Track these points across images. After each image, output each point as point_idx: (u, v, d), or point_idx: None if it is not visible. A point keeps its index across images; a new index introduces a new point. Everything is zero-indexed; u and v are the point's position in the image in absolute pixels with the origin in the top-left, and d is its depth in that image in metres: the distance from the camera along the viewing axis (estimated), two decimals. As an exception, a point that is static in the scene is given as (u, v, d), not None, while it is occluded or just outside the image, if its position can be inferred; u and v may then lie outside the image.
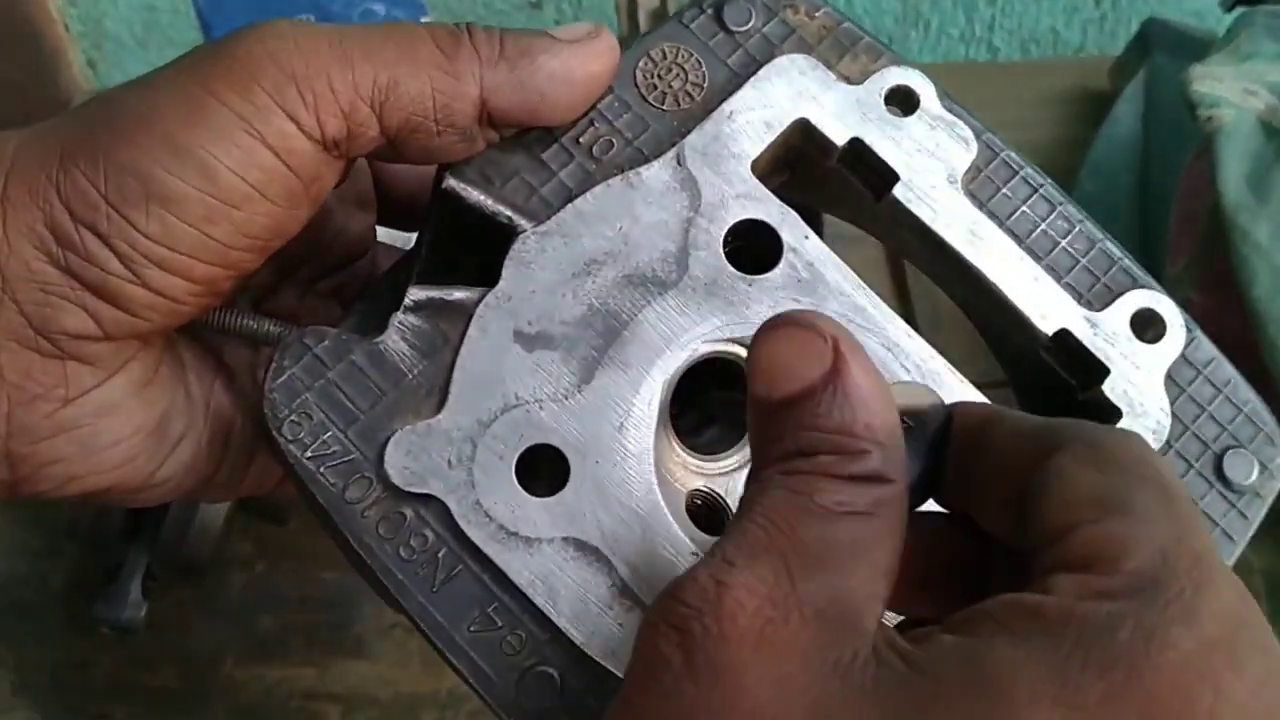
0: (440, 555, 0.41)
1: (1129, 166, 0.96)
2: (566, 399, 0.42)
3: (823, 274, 0.44)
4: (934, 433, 0.37)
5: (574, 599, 0.40)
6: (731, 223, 0.44)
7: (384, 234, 0.54)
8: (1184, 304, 0.83)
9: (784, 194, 0.46)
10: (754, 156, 0.45)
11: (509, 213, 0.44)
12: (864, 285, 0.45)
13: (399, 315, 0.43)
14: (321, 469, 0.41)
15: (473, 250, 0.45)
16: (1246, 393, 0.47)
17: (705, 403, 0.47)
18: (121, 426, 0.43)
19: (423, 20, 0.85)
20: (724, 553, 0.32)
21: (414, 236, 0.47)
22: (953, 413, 0.37)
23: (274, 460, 0.43)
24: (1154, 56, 1.00)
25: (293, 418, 0.42)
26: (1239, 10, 0.90)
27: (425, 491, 0.41)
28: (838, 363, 0.34)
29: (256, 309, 0.50)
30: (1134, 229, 0.94)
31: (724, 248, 0.44)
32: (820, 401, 0.34)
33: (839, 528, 0.32)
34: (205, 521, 0.77)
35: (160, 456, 0.45)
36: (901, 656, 0.31)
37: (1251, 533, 0.47)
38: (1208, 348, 0.47)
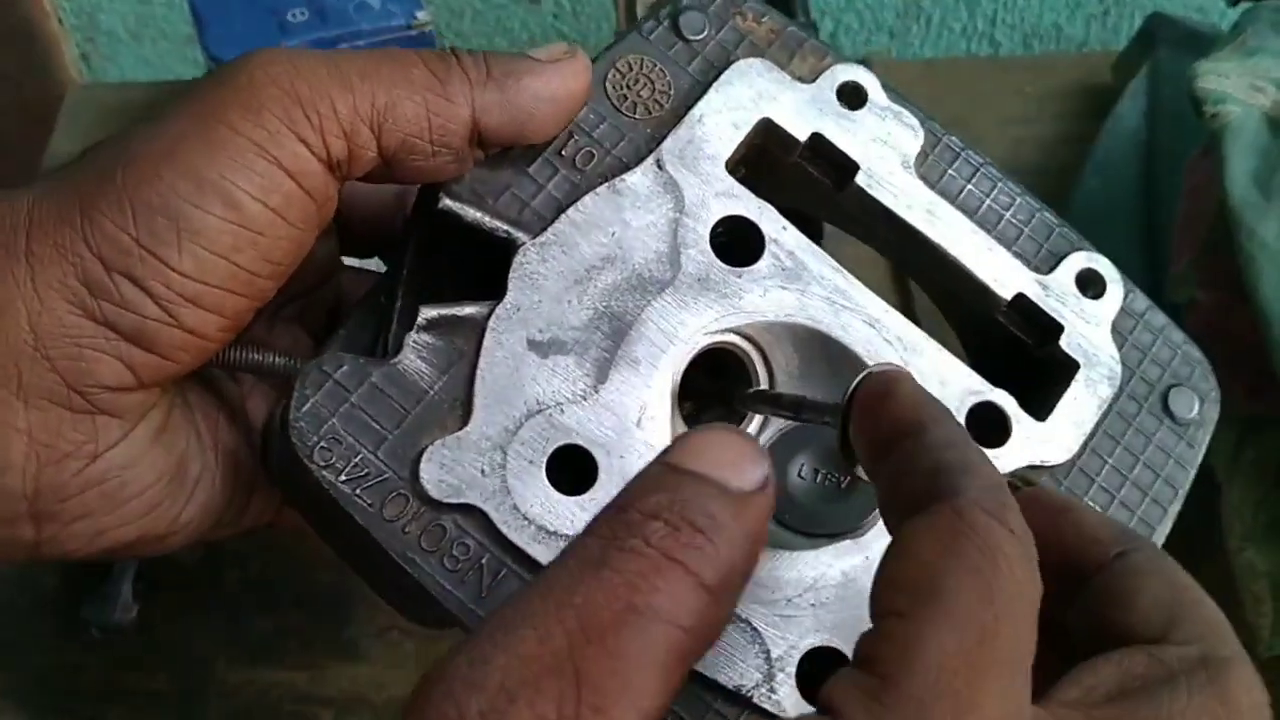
0: (484, 561, 0.42)
1: (1133, 163, 0.95)
2: (585, 399, 0.44)
3: (804, 261, 0.47)
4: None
5: None
6: (714, 220, 0.47)
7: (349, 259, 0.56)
8: (1189, 303, 0.83)
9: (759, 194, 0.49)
10: (726, 156, 0.48)
11: (506, 228, 0.46)
12: (842, 269, 0.48)
13: (412, 335, 0.44)
14: (357, 491, 0.42)
15: (459, 267, 0.47)
16: (1177, 334, 0.52)
17: (696, 391, 0.49)
18: (145, 475, 0.44)
19: (418, 15, 0.84)
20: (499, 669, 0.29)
21: (373, 261, 0.51)
22: (1034, 495, 0.39)
23: (277, 490, 0.44)
24: (1158, 52, 0.98)
25: (322, 444, 0.42)
26: (1244, 5, 0.89)
27: (463, 501, 0.42)
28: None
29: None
30: (1139, 226, 0.93)
31: (711, 244, 0.47)
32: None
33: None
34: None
35: (182, 500, 0.46)
36: None
37: (1200, 459, 0.52)
38: (1142, 299, 0.52)
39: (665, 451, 0.34)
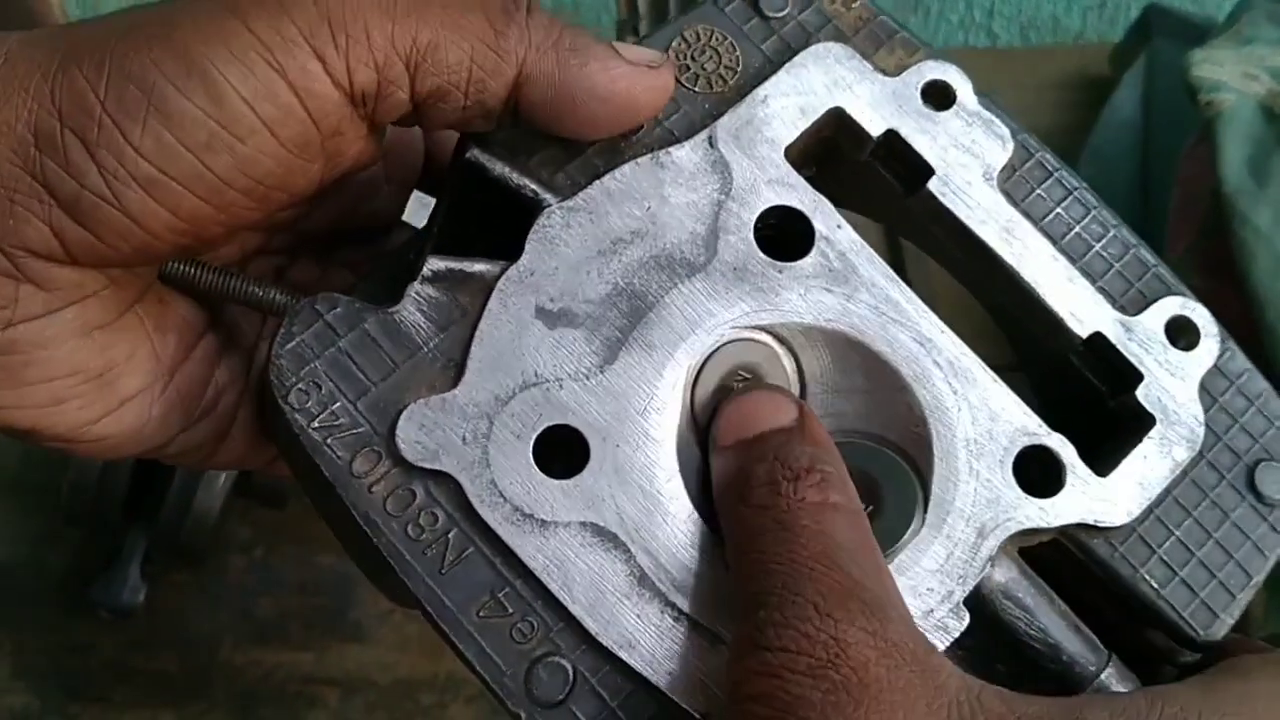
0: (450, 535, 0.39)
1: (1129, 153, 0.96)
2: (588, 379, 0.41)
3: (855, 265, 0.43)
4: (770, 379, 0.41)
5: (589, 587, 0.39)
6: (763, 208, 0.43)
7: (415, 202, 0.52)
8: (1184, 289, 0.84)
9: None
10: (788, 142, 0.44)
11: (534, 187, 0.43)
12: (897, 279, 0.44)
13: (415, 286, 0.41)
14: (329, 440, 0.40)
15: (488, 228, 0.43)
16: (1278, 404, 0.46)
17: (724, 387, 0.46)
18: (58, 365, 0.40)
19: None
20: (811, 602, 0.35)
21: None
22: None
23: (269, 433, 0.41)
24: (1154, 42, 0.99)
25: (300, 386, 0.40)
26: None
27: (437, 468, 0.39)
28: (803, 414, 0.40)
29: (276, 277, 0.48)
30: (1135, 215, 0.94)
31: (754, 233, 0.43)
32: (790, 439, 0.39)
33: (867, 559, 0.37)
34: (203, 506, 0.77)
35: (97, 411, 0.42)
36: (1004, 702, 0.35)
37: None
38: (1241, 360, 0.46)
39: (719, 437, 0.40)
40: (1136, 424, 0.44)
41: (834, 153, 0.46)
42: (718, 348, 0.43)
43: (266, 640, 0.82)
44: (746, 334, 0.43)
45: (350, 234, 0.49)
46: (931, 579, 0.41)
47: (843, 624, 0.35)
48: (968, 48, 1.28)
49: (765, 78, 0.45)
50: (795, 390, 0.45)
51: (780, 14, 0.46)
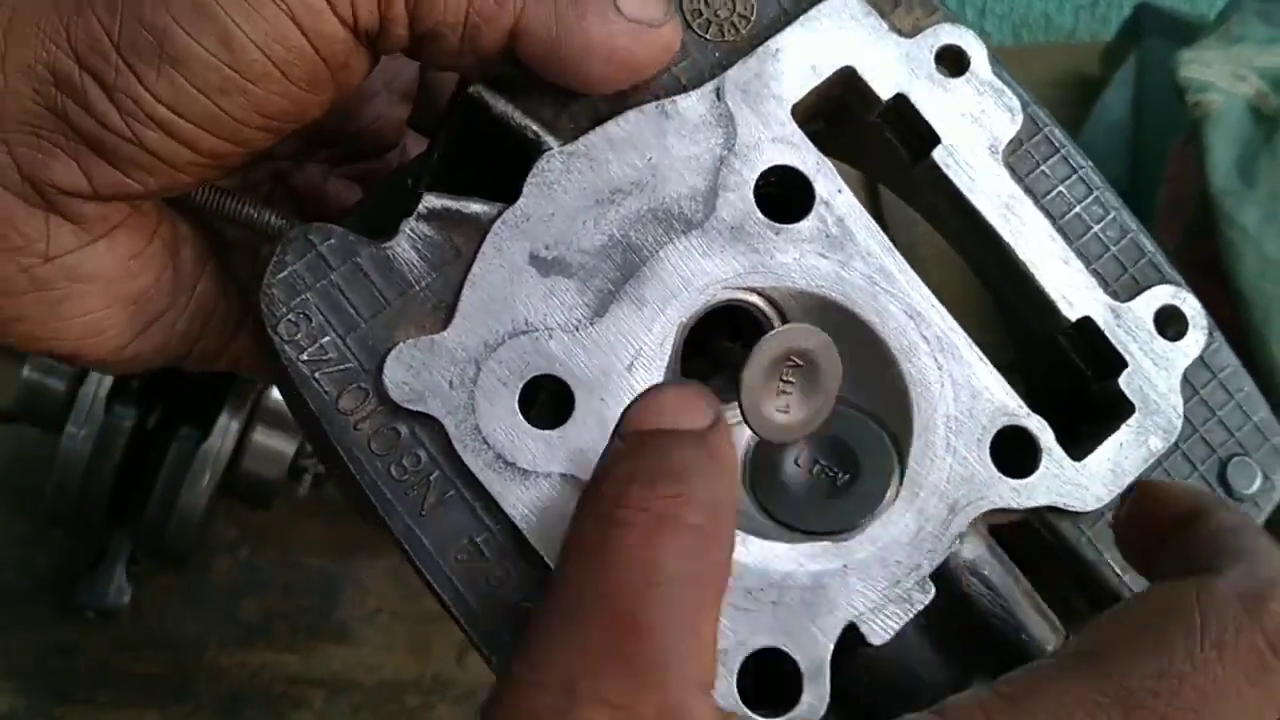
0: (432, 478, 0.40)
1: (1119, 152, 0.96)
2: (578, 330, 0.41)
3: (852, 231, 0.43)
4: (824, 368, 0.39)
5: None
6: (765, 167, 0.43)
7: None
8: (1171, 289, 0.83)
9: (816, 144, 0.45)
10: (796, 100, 0.43)
11: (535, 127, 0.42)
12: (893, 248, 0.43)
13: (410, 222, 0.41)
14: (316, 374, 0.40)
15: (486, 163, 0.43)
16: (1259, 404, 0.46)
17: (714, 350, 0.46)
18: (96, 298, 0.42)
19: None
20: (562, 659, 0.32)
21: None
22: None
23: (264, 355, 0.41)
24: (1145, 41, 0.99)
25: (290, 317, 0.40)
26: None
27: (423, 410, 0.40)
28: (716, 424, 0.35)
29: (279, 182, 0.48)
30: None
31: (755, 191, 0.43)
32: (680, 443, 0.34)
33: (688, 599, 0.32)
34: (187, 506, 0.77)
35: (132, 333, 0.43)
36: None
37: None
38: (1227, 353, 0.46)
39: (618, 423, 0.35)
40: (1116, 410, 0.45)
41: (843, 110, 0.46)
42: (711, 306, 0.43)
43: (252, 641, 0.82)
44: (740, 294, 0.43)
45: (355, 140, 0.49)
46: (900, 550, 0.41)
47: (583, 700, 0.31)
48: (960, 46, 1.27)
49: (779, 28, 0.44)
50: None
51: None
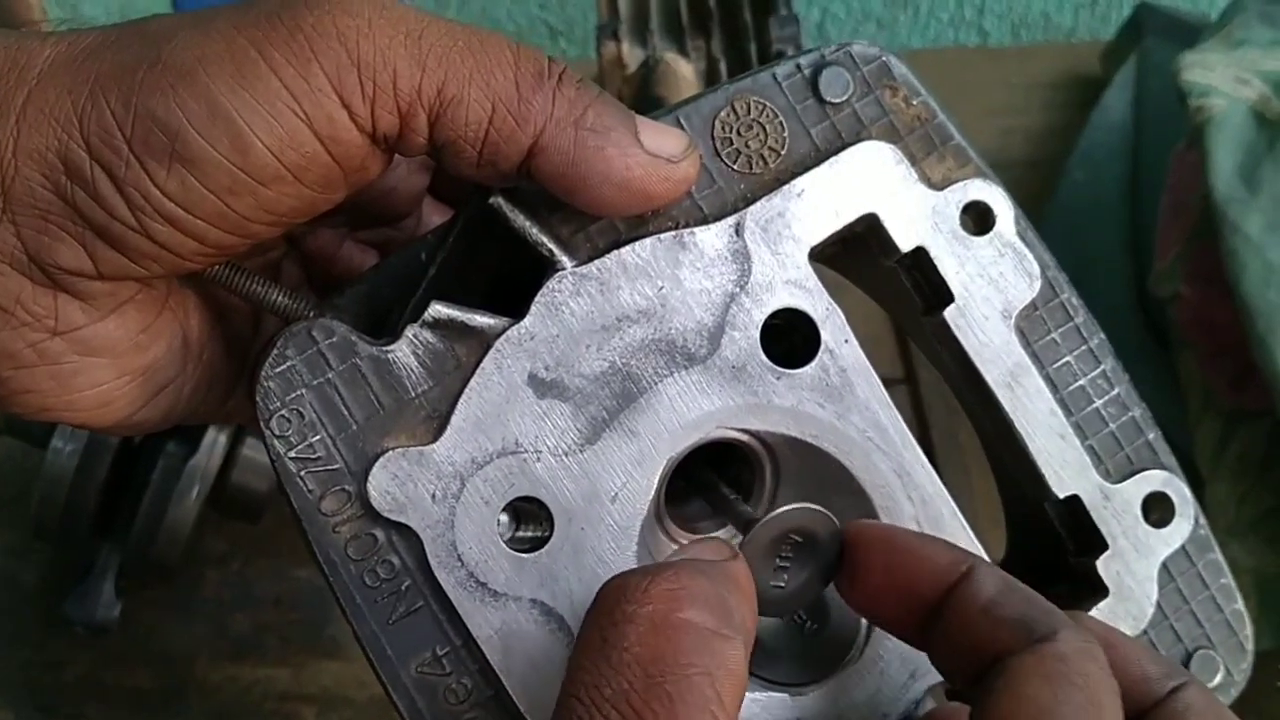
0: (404, 588, 0.40)
1: (1119, 155, 0.95)
2: (567, 456, 0.41)
3: (853, 383, 0.43)
4: (824, 549, 0.39)
5: (527, 663, 0.39)
6: (775, 308, 0.43)
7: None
8: (1173, 297, 0.83)
9: (831, 265, 0.45)
10: (814, 243, 0.43)
11: (551, 245, 0.42)
12: (890, 404, 0.44)
13: (414, 329, 0.41)
14: (302, 472, 0.40)
15: (492, 269, 0.43)
16: (1233, 595, 0.46)
17: (695, 475, 0.46)
18: (106, 370, 0.42)
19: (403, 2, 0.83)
20: None
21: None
22: (847, 533, 0.39)
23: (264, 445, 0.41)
24: (1146, 41, 0.98)
25: (283, 412, 0.40)
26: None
27: (403, 521, 0.40)
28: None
29: (292, 245, 0.48)
30: (1124, 219, 0.93)
31: (762, 326, 0.43)
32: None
33: (693, 694, 0.32)
34: (175, 522, 0.76)
35: (141, 401, 0.43)
36: None
37: None
38: (1211, 544, 0.46)
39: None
40: (1090, 589, 0.45)
41: (861, 244, 0.45)
42: (701, 444, 0.43)
43: (242, 656, 0.81)
44: (732, 434, 0.43)
45: (371, 206, 0.49)
46: (855, 712, 0.42)
47: None
48: (958, 45, 1.26)
49: (807, 167, 0.43)
50: (768, 490, 0.45)
51: (838, 100, 0.44)
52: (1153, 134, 0.94)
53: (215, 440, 0.75)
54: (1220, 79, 0.80)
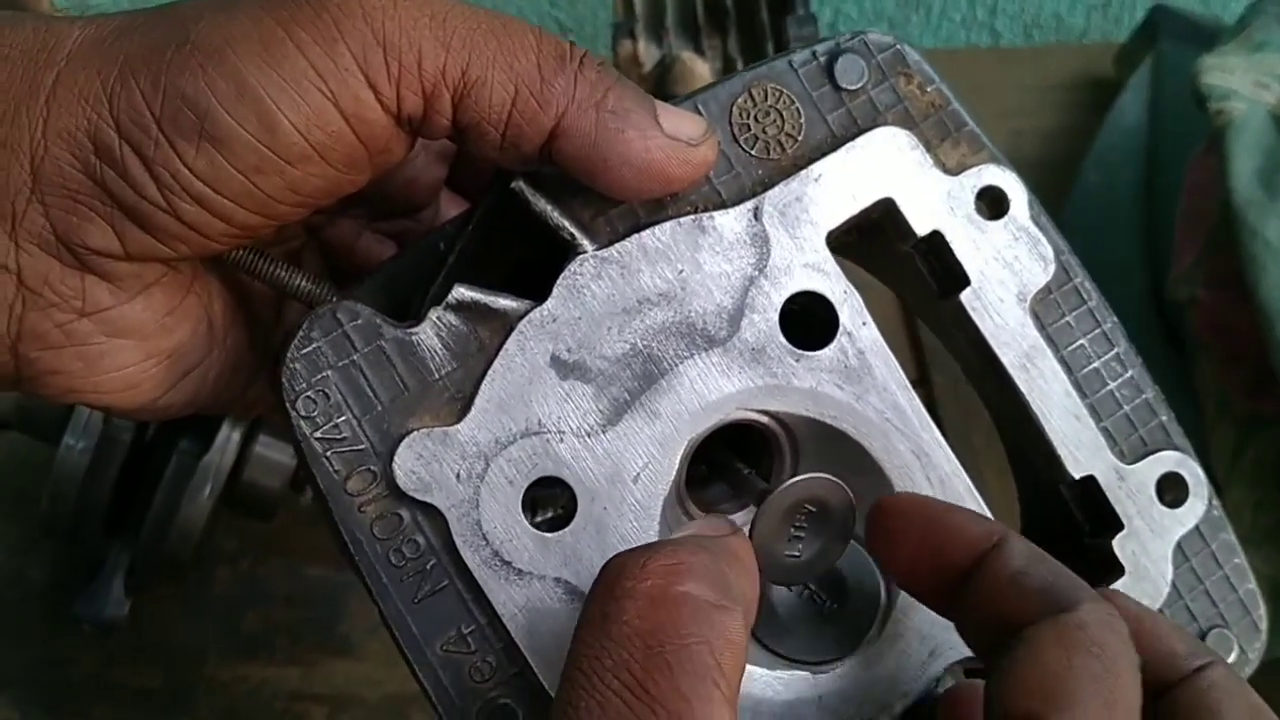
0: (429, 567, 0.40)
1: (1134, 158, 0.95)
2: (589, 436, 0.41)
3: (871, 365, 0.44)
4: (838, 519, 0.40)
5: (551, 640, 0.40)
6: (794, 291, 0.43)
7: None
8: (1190, 302, 0.82)
9: (847, 254, 0.45)
10: (832, 226, 0.44)
11: (573, 229, 0.42)
12: (908, 385, 0.44)
13: (438, 311, 0.41)
14: (328, 453, 0.40)
15: (515, 253, 0.44)
16: (1247, 577, 0.47)
17: (730, 474, 0.47)
18: (132, 352, 0.42)
19: None
20: None
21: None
22: (883, 503, 0.40)
23: (279, 405, 0.42)
24: (1161, 44, 0.98)
25: (309, 393, 0.40)
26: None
27: (428, 500, 0.40)
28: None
29: (311, 235, 0.49)
30: (1139, 223, 0.92)
31: (781, 309, 0.43)
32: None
33: (691, 669, 0.33)
34: (188, 518, 0.75)
35: (167, 385, 0.44)
36: None
37: None
38: (1223, 523, 0.47)
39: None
40: (1107, 568, 0.45)
41: (877, 229, 0.46)
42: (721, 425, 0.43)
43: (253, 654, 0.80)
44: (752, 415, 0.44)
45: (390, 198, 0.49)
46: (876, 688, 0.42)
47: None
48: (970, 47, 1.26)
49: (824, 152, 0.44)
50: (788, 473, 0.46)
51: (853, 86, 0.45)
52: (1169, 137, 0.94)
53: (229, 438, 0.74)
54: (1240, 82, 0.80)
